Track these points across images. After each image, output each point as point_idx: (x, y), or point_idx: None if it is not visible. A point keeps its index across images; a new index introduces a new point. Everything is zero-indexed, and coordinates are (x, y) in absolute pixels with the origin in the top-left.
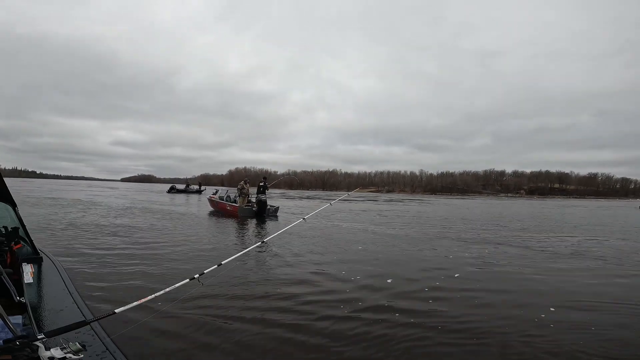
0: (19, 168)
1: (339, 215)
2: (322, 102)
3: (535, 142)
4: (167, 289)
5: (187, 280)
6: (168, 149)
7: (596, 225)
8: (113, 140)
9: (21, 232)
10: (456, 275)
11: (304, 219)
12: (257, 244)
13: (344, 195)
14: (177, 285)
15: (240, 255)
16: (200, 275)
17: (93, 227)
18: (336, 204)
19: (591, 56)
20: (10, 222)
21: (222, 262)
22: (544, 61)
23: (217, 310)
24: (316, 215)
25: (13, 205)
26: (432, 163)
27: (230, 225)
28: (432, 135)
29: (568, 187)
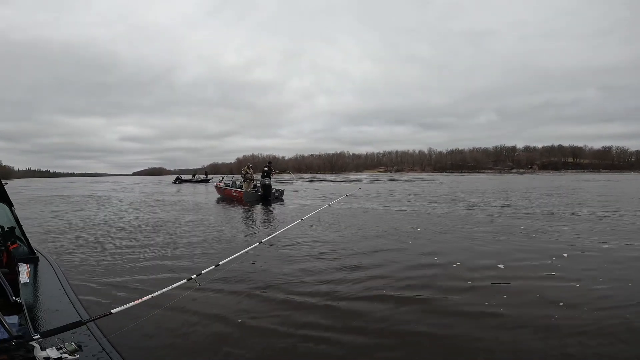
0: (32, 168)
1: (354, 198)
2: (321, 88)
3: (541, 117)
4: (164, 290)
5: (184, 281)
6: (175, 141)
7: (637, 199)
8: (121, 136)
9: (17, 231)
10: (565, 255)
11: (302, 219)
12: (255, 245)
13: (357, 185)
14: (174, 285)
15: (238, 255)
16: (197, 275)
17: (91, 226)
18: (350, 186)
19: (584, 35)
20: (7, 222)
21: (220, 263)
22: (538, 40)
23: (213, 311)
24: (319, 212)
25: (9, 204)
26: (439, 141)
27: (237, 214)
28: (435, 114)
29: (582, 161)
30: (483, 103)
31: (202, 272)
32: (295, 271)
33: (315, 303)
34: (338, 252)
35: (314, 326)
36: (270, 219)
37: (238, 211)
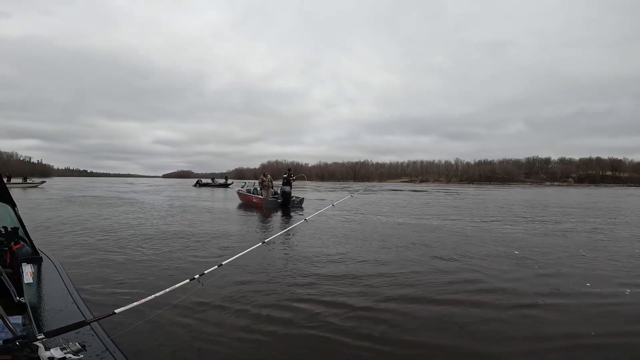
0: (71, 168)
1: (372, 208)
2: (342, 97)
3: (574, 127)
4: (167, 290)
5: (187, 280)
6: (203, 146)
7: None
8: (154, 140)
9: (21, 232)
10: None
11: (305, 219)
12: (257, 245)
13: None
14: (177, 285)
15: (241, 255)
16: (200, 275)
17: (94, 225)
18: (371, 195)
19: (608, 43)
20: (10, 222)
21: (223, 263)
22: (560, 49)
23: (217, 311)
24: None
25: (13, 205)
26: (465, 151)
27: (252, 220)
28: (459, 124)
29: (621, 174)
30: (510, 113)
31: (205, 272)
32: (296, 270)
33: (315, 301)
34: (334, 253)
35: (314, 324)
36: (280, 223)
37: (254, 217)
